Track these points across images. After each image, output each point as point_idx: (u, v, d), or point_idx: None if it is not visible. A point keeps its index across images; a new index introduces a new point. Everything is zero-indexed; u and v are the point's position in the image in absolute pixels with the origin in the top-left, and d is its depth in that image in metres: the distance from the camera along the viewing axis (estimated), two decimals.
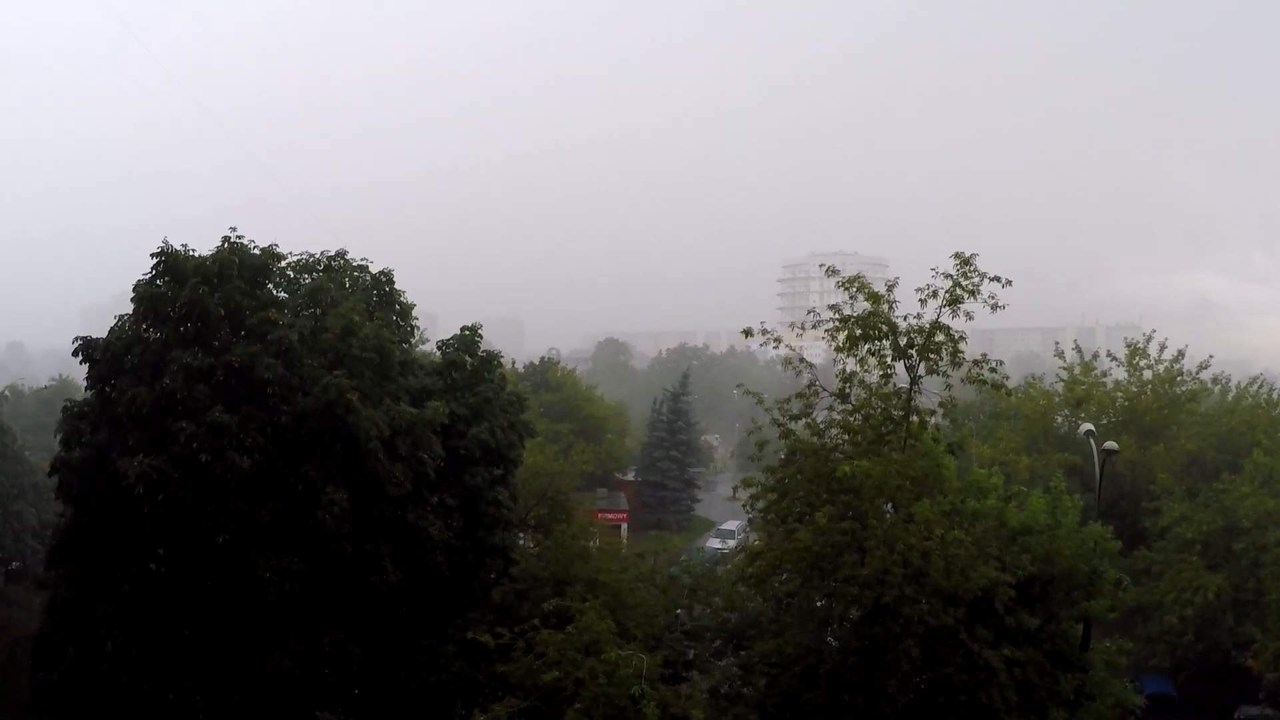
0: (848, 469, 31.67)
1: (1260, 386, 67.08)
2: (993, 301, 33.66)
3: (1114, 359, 68.46)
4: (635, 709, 28.11)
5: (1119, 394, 66.08)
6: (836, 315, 34.35)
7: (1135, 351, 67.15)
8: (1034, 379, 71.00)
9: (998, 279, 33.39)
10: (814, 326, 34.82)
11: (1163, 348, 66.76)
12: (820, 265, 37.26)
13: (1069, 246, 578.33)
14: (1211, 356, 68.77)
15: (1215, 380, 68.95)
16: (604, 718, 28.13)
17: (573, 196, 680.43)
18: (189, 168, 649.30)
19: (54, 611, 38.55)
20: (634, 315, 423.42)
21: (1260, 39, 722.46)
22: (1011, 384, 39.24)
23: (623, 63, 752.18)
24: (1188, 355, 67.08)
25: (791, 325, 36.49)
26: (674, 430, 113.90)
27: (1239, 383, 69.63)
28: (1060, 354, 69.87)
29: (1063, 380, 68.56)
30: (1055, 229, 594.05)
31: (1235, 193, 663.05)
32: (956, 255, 33.54)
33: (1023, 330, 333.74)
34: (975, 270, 33.22)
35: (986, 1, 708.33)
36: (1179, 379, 65.87)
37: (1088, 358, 68.96)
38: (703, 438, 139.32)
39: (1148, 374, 66.42)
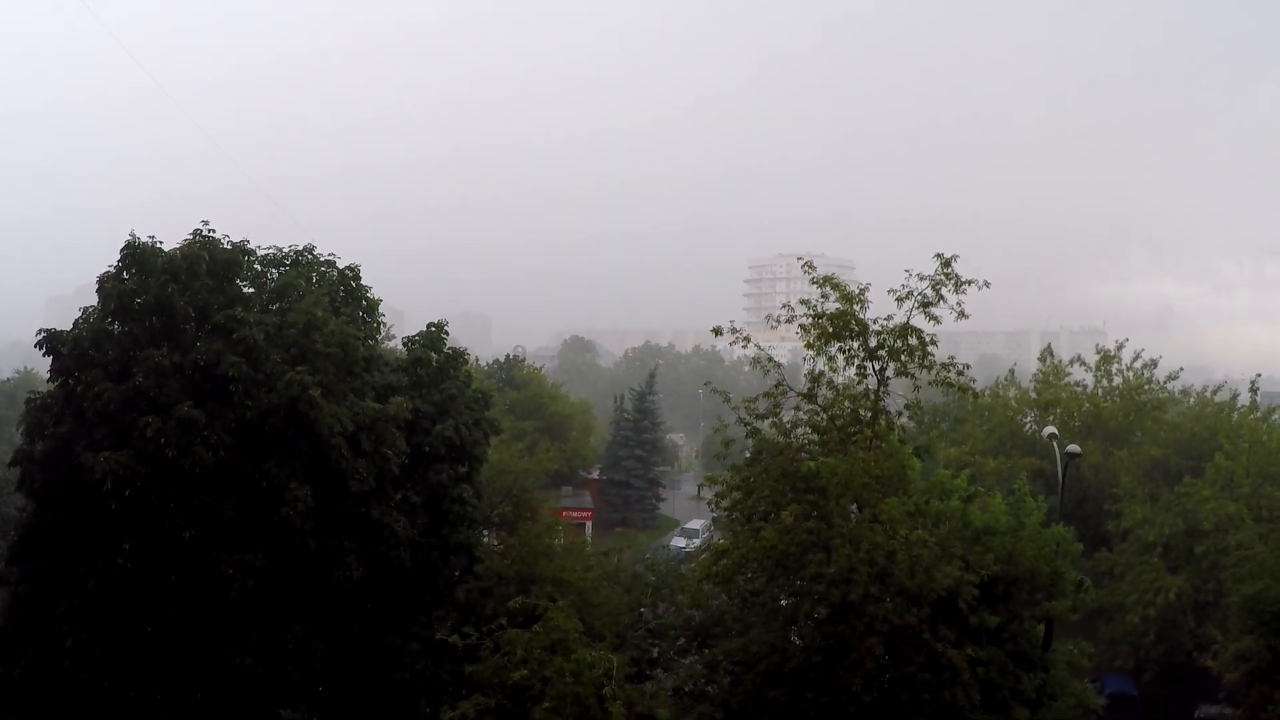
0: (813, 465, 31.78)
1: (1228, 394, 67.35)
2: (960, 308, 33.79)
3: (1085, 365, 68.86)
4: (602, 708, 28.12)
5: (1086, 400, 66.46)
6: (810, 311, 34.38)
7: (1106, 358, 67.68)
8: (1009, 378, 71.20)
9: (973, 282, 33.51)
10: (788, 322, 34.82)
11: (1136, 356, 67.39)
12: (798, 259, 37.20)
13: (1033, 251, 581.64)
14: (1181, 369, 69.57)
15: (1184, 392, 69.44)
16: (572, 716, 28.08)
17: (540, 193, 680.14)
18: (154, 155, 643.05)
19: (15, 608, 38.17)
20: (601, 313, 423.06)
21: (1226, 48, 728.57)
22: (977, 387, 39.35)
23: (589, 59, 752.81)
24: (1156, 363, 67.73)
25: (767, 318, 36.48)
26: (639, 429, 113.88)
27: (1204, 388, 70.14)
28: (1043, 357, 70.32)
29: (1035, 380, 69.14)
30: (1020, 233, 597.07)
31: (1199, 200, 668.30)
32: (939, 255, 33.69)
33: (987, 333, 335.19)
34: (954, 274, 33.36)
35: (955, 10, 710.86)
36: (1146, 387, 66.37)
37: (1057, 361, 69.45)
38: (668, 437, 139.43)
39: (1117, 380, 66.94)
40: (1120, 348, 67.82)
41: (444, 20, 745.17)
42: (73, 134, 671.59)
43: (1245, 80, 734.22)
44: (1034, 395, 68.20)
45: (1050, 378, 68.33)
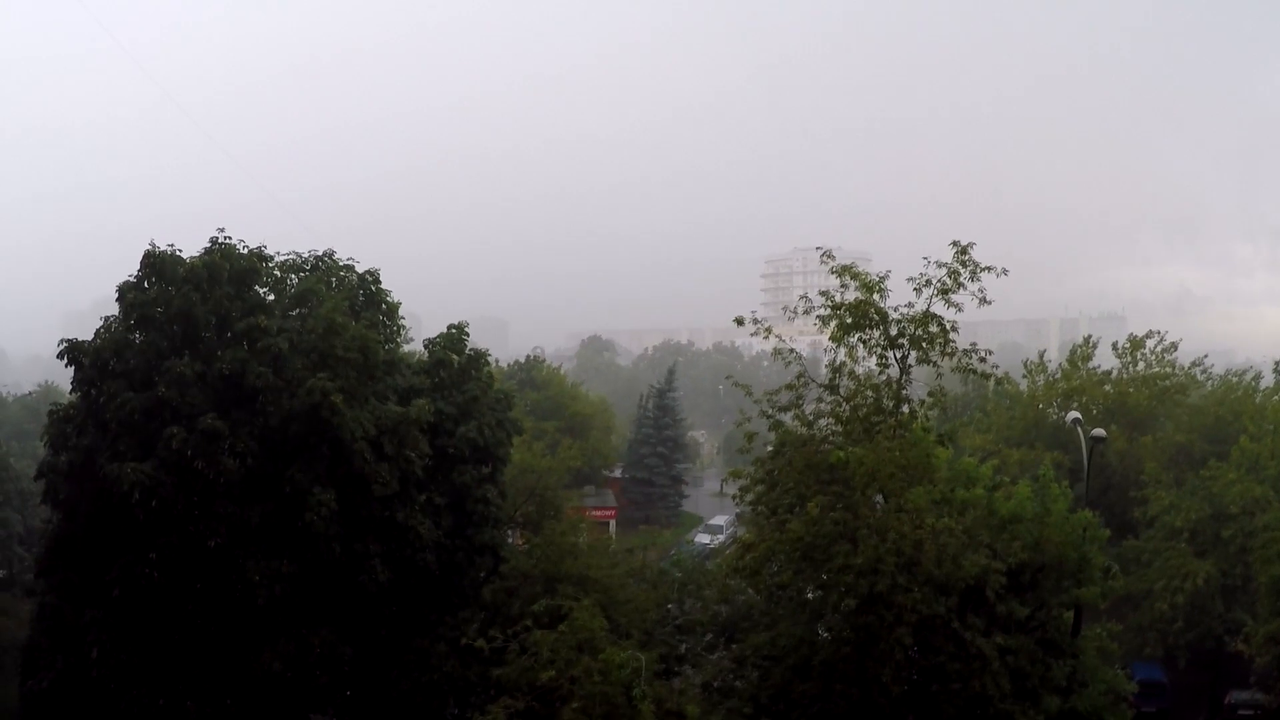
0: (841, 455, 31.66)
1: (1253, 377, 67.08)
2: (981, 294, 33.75)
3: (1116, 351, 68.75)
4: (631, 706, 28.06)
5: (1111, 385, 66.23)
6: (828, 302, 34.35)
7: (1136, 344, 67.69)
8: (1040, 363, 70.74)
9: (991, 268, 33.51)
10: (806, 313, 34.76)
11: (1160, 342, 67.39)
12: (817, 249, 37.03)
13: (1051, 238, 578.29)
14: (1206, 356, 69.65)
15: (1205, 374, 69.29)
16: (600, 716, 28.04)
17: (554, 193, 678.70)
18: (165, 166, 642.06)
19: (42, 619, 38.38)
20: (617, 313, 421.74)
21: (1243, 30, 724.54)
22: (999, 374, 39.24)
23: (599, 58, 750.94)
24: (1176, 346, 67.85)
25: (784, 309, 36.44)
26: (660, 426, 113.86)
27: (1225, 371, 70.00)
28: (1084, 345, 69.77)
29: (1061, 368, 68.98)
30: (1037, 220, 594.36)
31: (1214, 183, 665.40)
32: (954, 243, 33.63)
33: (1006, 322, 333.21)
34: (971, 260, 33.35)
35: None
36: (1170, 372, 66.38)
37: (1091, 348, 69.18)
38: (689, 434, 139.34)
39: (1141, 366, 66.88)
40: (1148, 336, 67.87)
41: (455, 25, 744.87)
42: (86, 151, 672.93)
43: (1256, 61, 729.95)
44: (1060, 382, 67.87)
45: (1079, 363, 68.07)
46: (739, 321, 35.82)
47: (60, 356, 38.04)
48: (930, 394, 34.87)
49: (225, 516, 35.61)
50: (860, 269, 34.55)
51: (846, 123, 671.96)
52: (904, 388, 34.50)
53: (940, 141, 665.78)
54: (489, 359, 47.57)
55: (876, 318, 33.85)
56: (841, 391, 34.90)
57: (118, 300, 38.06)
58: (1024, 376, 69.68)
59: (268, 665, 35.67)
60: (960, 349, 34.55)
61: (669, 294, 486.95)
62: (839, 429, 34.57)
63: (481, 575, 42.64)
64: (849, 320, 33.92)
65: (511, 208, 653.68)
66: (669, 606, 41.45)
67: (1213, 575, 50.62)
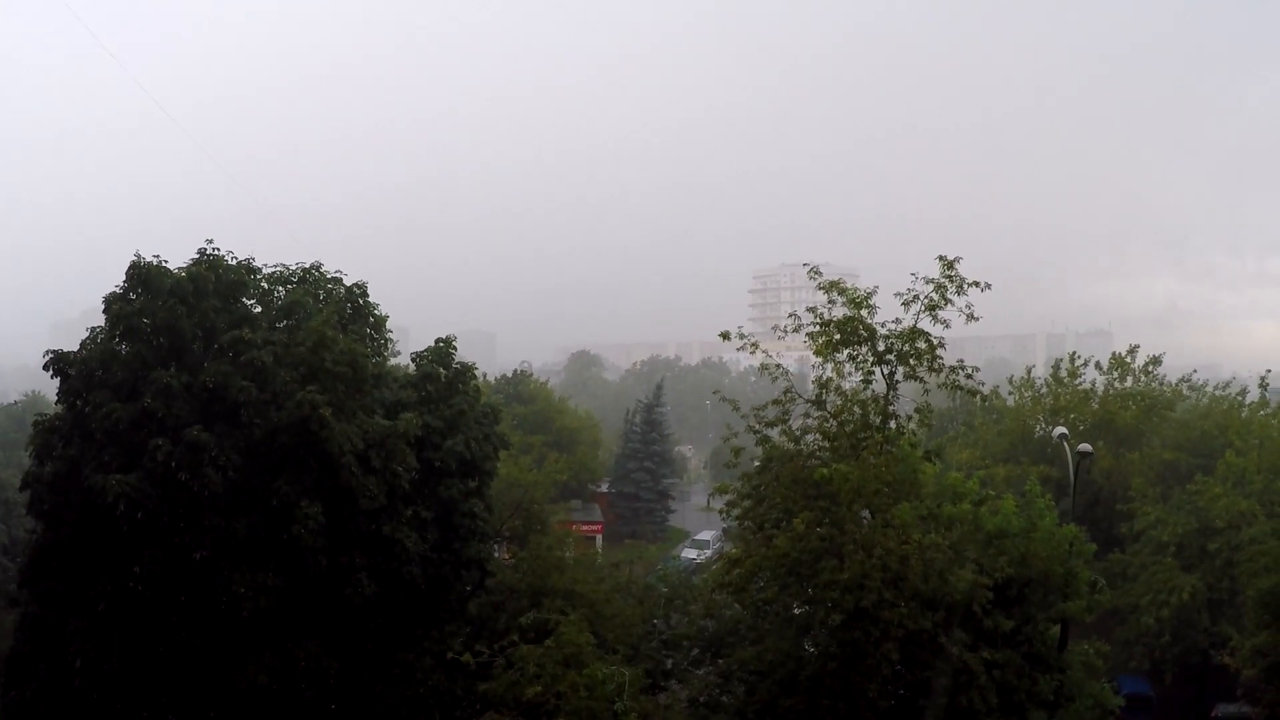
0: (825, 472, 31.67)
1: (1237, 391, 67.29)
2: (968, 310, 33.81)
3: (1100, 367, 68.88)
4: None
5: (1097, 401, 66.35)
6: (816, 319, 34.39)
7: (1120, 361, 67.78)
8: (1027, 379, 70.97)
9: (977, 284, 33.57)
10: (795, 330, 34.84)
11: (1148, 359, 67.53)
12: (804, 265, 37.14)
13: (1038, 253, 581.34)
14: (1195, 371, 69.86)
15: (1191, 388, 69.54)
16: None
17: (542, 207, 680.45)
18: (156, 177, 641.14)
19: (26, 629, 38.17)
20: (605, 327, 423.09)
21: (1229, 43, 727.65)
22: (985, 390, 39.30)
23: (589, 73, 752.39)
24: (1165, 364, 68.00)
25: (774, 328, 36.52)
26: (648, 441, 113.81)
27: (1204, 382, 70.33)
28: (1071, 360, 69.85)
29: (1047, 384, 69.03)
30: (1024, 236, 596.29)
31: (1201, 197, 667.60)
32: (940, 258, 33.70)
33: (993, 337, 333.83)
34: (957, 275, 33.41)
35: (951, 13, 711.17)
36: (1156, 387, 66.51)
37: (1073, 365, 69.25)
38: (676, 449, 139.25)
39: (1129, 381, 66.97)
40: (1131, 352, 67.94)
41: (443, 37, 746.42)
42: (77, 161, 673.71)
43: (1243, 74, 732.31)
44: (1046, 398, 68.01)
45: (1066, 379, 68.19)
46: (725, 336, 35.86)
47: (46, 368, 37.97)
48: (917, 410, 34.92)
49: (211, 529, 35.47)
50: (848, 285, 34.63)
51: (834, 139, 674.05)
52: (891, 404, 34.56)
53: (928, 158, 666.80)
54: (476, 373, 47.48)
55: (864, 334, 33.91)
56: (828, 407, 34.94)
57: (104, 311, 37.99)
58: (1010, 393, 69.84)
59: (252, 678, 35.50)
60: (947, 365, 34.60)
61: (657, 308, 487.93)
62: (826, 445, 34.61)
63: (468, 589, 42.54)
64: (837, 336, 33.97)
65: (499, 221, 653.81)
66: (655, 621, 41.39)
67: (1199, 589, 50.73)
